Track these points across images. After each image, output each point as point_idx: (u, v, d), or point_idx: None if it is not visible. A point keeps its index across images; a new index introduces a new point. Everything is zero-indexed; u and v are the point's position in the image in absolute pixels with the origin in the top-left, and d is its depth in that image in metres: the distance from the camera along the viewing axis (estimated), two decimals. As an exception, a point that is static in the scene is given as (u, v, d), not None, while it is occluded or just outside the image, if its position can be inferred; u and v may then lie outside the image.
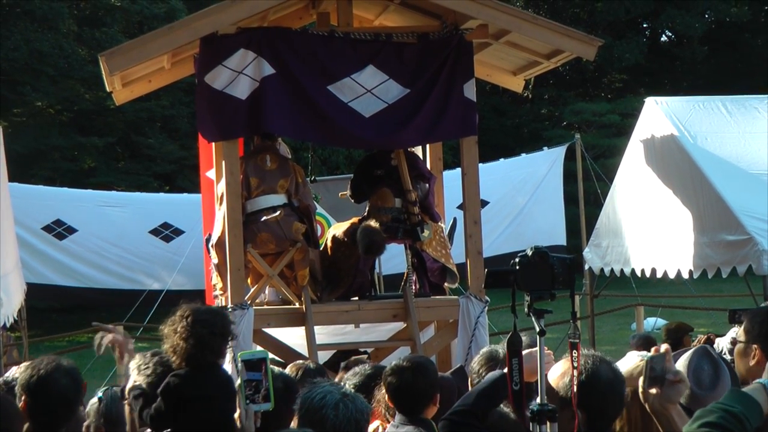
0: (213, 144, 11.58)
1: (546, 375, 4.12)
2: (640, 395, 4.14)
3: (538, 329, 3.97)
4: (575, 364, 3.95)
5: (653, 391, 4.10)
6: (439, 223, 11.46)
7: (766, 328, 4.92)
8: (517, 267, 4.06)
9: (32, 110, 33.17)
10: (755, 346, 4.95)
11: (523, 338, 4.46)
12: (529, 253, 4.08)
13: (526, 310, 4.03)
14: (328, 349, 10.42)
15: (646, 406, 4.13)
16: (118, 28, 33.22)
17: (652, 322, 20.49)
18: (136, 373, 5.17)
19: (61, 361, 5.17)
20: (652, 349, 4.36)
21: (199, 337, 5.02)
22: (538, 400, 3.97)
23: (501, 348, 5.50)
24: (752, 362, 4.94)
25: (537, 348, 4.12)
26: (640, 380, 4.15)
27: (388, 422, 5.69)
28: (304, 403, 4.55)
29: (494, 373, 4.65)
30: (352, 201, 11.78)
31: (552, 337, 4.14)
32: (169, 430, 5.04)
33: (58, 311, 27.41)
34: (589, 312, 16.29)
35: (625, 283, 17.35)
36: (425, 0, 10.89)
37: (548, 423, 3.94)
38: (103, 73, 10.87)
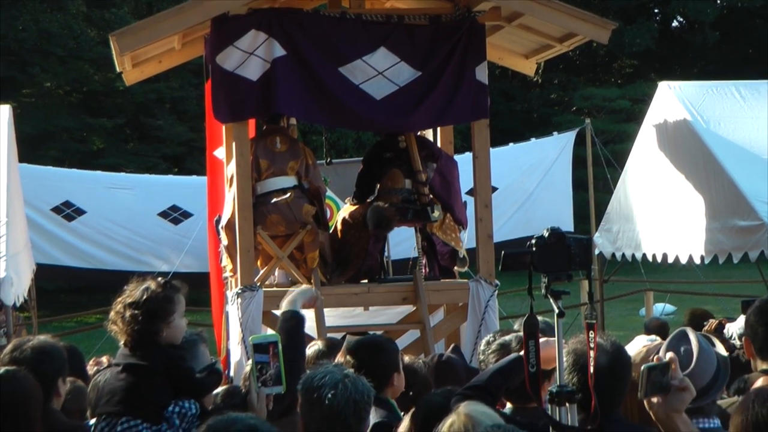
0: (223, 124, 11.54)
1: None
2: (645, 404, 4.08)
3: (556, 311, 3.93)
4: (592, 345, 3.91)
5: (655, 399, 4.04)
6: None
7: (751, 319, 4.92)
8: (534, 249, 4.01)
9: (41, 91, 33.14)
10: (745, 337, 4.96)
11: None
12: (546, 234, 4.03)
13: (543, 291, 3.98)
14: (337, 332, 10.31)
15: (651, 414, 4.07)
16: (128, 8, 33.21)
17: (661, 308, 20.42)
18: None
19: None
20: (654, 358, 4.31)
21: (149, 315, 5.02)
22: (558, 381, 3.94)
23: (512, 337, 5.49)
24: (748, 354, 4.95)
25: (552, 338, 4.09)
26: (639, 388, 4.07)
27: None
28: (305, 383, 4.54)
29: (512, 355, 4.63)
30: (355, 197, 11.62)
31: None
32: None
33: (67, 292, 27.45)
34: (599, 297, 16.25)
35: (634, 268, 17.30)
36: (438, -18, 10.84)
37: (567, 404, 3.91)
38: (114, 53, 10.83)
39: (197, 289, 12.95)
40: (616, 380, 4.24)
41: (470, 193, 12.25)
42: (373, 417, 5.46)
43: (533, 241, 4.02)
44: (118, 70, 12.06)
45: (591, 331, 3.92)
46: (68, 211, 17.29)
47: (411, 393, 5.88)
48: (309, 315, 10.63)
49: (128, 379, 4.99)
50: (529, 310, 4.04)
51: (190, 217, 17.51)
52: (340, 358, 5.80)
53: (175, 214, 17.68)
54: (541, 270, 4.00)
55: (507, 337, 5.50)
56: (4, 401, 4.55)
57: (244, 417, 3.58)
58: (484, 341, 6.01)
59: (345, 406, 4.40)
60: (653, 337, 8.92)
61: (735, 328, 10.73)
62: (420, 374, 6.10)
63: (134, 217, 17.70)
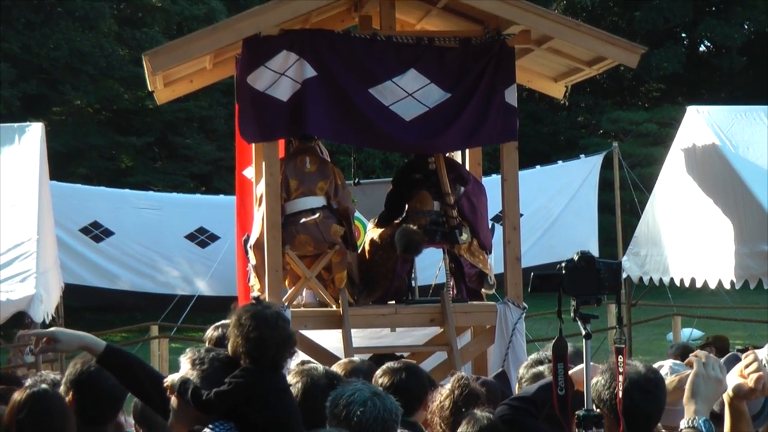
0: (253, 144, 11.59)
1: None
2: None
3: (584, 333, 3.94)
4: (620, 370, 3.92)
5: None
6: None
7: None
8: (564, 271, 4.03)
9: (71, 109, 33.38)
10: None
11: None
12: (576, 257, 4.05)
13: (572, 315, 4.00)
14: (364, 353, 10.37)
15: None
16: (159, 28, 33.40)
17: (688, 333, 20.34)
18: (189, 366, 5.09)
19: None
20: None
21: (273, 342, 4.95)
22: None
23: (545, 368, 5.47)
24: None
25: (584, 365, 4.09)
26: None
27: None
28: (334, 400, 4.57)
29: None
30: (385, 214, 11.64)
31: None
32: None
33: (92, 310, 27.53)
34: (626, 321, 16.19)
35: (661, 292, 17.23)
36: (468, 5, 10.86)
37: (594, 429, 3.92)
38: (146, 72, 10.93)
39: (224, 311, 12.98)
40: (652, 400, 4.23)
41: (496, 219, 12.27)
42: None
43: (563, 264, 4.04)
44: (150, 89, 12.16)
45: (620, 356, 3.93)
46: (96, 231, 17.40)
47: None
48: (336, 336, 10.71)
49: None
50: (558, 333, 4.05)
51: (216, 240, 17.59)
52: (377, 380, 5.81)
53: (202, 237, 17.76)
54: (570, 293, 4.02)
55: (541, 367, 5.47)
56: (37, 418, 4.65)
57: None
58: (522, 367, 5.94)
59: (373, 424, 4.41)
60: (677, 361, 8.89)
61: (763, 354, 10.67)
62: (481, 399, 6.03)
63: (161, 239, 17.80)
